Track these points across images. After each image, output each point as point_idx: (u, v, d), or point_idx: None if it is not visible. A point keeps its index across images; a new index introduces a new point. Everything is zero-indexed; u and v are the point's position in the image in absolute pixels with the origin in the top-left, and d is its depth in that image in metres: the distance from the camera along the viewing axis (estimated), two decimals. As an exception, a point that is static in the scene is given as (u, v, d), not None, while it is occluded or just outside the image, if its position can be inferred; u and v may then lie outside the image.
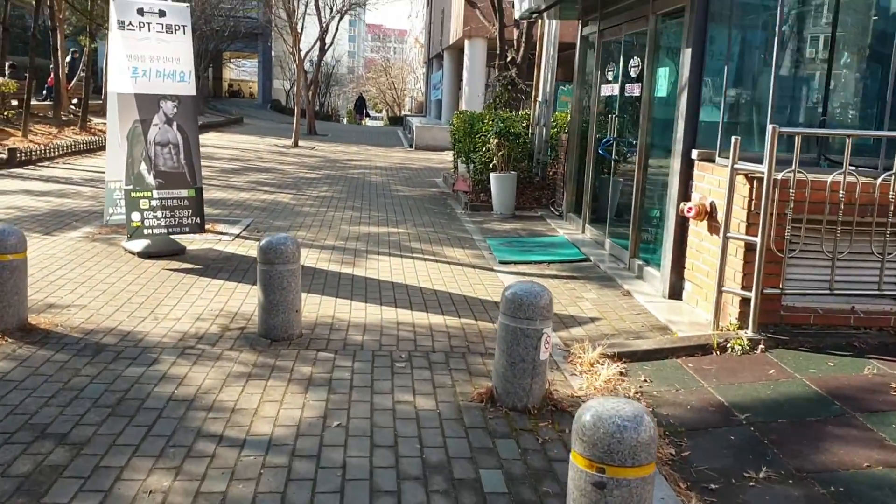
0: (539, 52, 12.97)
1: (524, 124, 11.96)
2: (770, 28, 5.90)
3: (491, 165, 11.37)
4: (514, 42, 14.71)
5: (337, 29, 31.81)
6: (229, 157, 18.59)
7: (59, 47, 20.68)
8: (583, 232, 9.76)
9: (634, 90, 8.05)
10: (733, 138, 5.45)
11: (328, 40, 31.02)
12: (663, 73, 7.39)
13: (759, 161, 5.35)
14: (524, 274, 7.75)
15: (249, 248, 8.29)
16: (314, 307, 6.24)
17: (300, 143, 23.98)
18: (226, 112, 39.55)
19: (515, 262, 8.24)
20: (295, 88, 25.45)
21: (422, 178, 16.36)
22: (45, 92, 24.81)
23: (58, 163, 15.34)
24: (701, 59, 6.50)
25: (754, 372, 4.94)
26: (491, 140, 11.19)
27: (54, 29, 20.10)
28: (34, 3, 18.35)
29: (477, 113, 13.37)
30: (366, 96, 55.86)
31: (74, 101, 23.94)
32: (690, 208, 6.16)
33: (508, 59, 14.50)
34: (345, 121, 56.70)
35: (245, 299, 6.38)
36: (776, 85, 5.64)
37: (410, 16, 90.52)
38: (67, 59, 23.72)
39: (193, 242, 8.30)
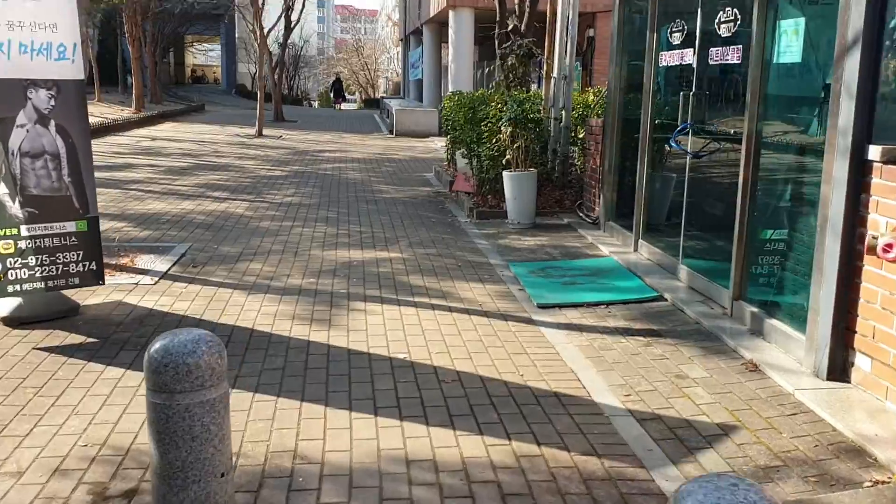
0: (551, 16, 10.44)
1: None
2: None
3: (504, 161, 8.86)
4: (516, 8, 12.14)
5: (304, 5, 29.00)
6: (180, 153, 15.89)
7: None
8: (635, 249, 7.30)
9: (729, 56, 5.57)
10: None
11: (294, 18, 28.23)
12: (791, 28, 4.90)
13: None
14: (577, 328, 5.28)
15: (178, 298, 5.75)
16: (263, 430, 3.73)
17: (265, 131, 21.28)
18: (186, 99, 36.65)
19: (560, 306, 5.77)
20: (261, 67, 22.69)
21: (409, 174, 13.80)
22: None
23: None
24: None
25: None
26: (503, 129, 8.67)
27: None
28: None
29: (478, 93, 10.82)
30: (340, 77, 52.77)
31: None
32: (891, 245, 3.71)
33: (510, 27, 11.94)
34: (316, 104, 53.72)
35: (150, 413, 3.85)
36: None
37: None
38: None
39: (95, 293, 5.74)
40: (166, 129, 22.56)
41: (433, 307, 5.69)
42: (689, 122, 6.11)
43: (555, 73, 10.22)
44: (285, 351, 4.73)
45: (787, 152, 5.06)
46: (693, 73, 6.17)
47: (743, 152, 5.21)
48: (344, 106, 42.27)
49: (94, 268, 5.22)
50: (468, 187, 10.32)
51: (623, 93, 7.99)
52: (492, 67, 22.28)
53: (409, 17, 30.60)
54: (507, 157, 8.83)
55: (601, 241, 7.84)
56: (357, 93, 67.05)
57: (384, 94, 50.83)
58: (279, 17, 26.61)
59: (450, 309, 5.66)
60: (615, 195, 8.16)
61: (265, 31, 22.43)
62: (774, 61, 5.05)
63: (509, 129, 8.54)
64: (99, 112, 23.76)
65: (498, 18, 11.97)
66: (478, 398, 4.09)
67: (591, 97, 10.80)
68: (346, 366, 4.51)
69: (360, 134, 23.07)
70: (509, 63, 8.96)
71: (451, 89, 19.61)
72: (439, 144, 19.64)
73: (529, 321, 5.43)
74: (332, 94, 42.49)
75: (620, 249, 7.44)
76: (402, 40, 36.25)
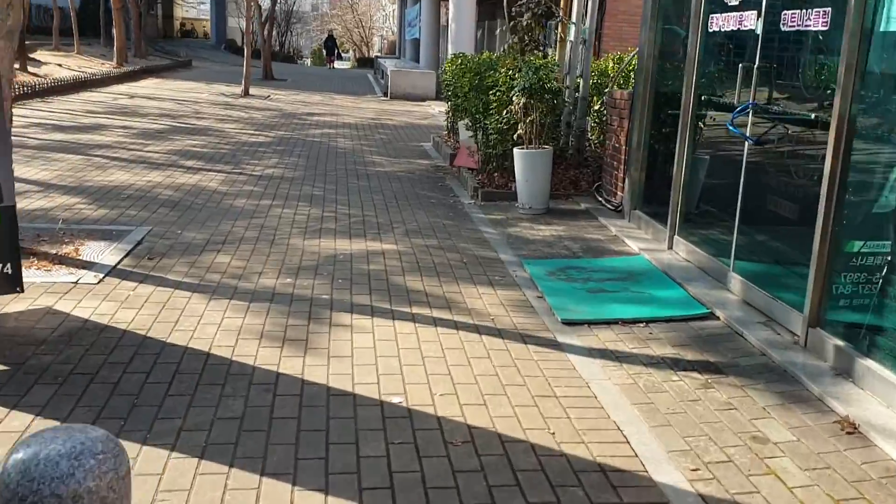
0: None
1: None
2: None
3: (514, 136, 7.74)
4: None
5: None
6: (158, 114, 14.67)
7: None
8: (670, 247, 6.25)
9: (812, 21, 4.47)
10: None
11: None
12: (909, -15, 3.80)
13: None
14: (614, 356, 4.25)
15: (124, 304, 4.68)
16: (207, 524, 2.70)
17: (252, 90, 20.01)
18: (173, 54, 35.10)
19: (589, 323, 4.73)
20: (248, 21, 21.34)
21: (405, 143, 12.65)
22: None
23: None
24: None
25: None
26: (515, 99, 7.54)
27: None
28: None
29: (484, 56, 9.65)
30: (333, 35, 50.88)
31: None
32: None
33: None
34: (308, 62, 52.00)
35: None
36: None
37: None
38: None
39: (18, 298, 4.64)
40: (148, 85, 21.26)
41: (435, 322, 4.65)
42: (751, 101, 5.01)
43: (571, 36, 9.07)
44: (247, 388, 3.68)
45: (891, 144, 4.00)
46: (757, 41, 5.06)
47: (831, 140, 4.13)
48: (337, 64, 40.68)
49: (10, 272, 4.13)
50: (472, 163, 9.22)
51: (657, 61, 6.88)
52: (500, 28, 20.83)
53: (407, -27, 29.11)
54: (519, 131, 7.71)
55: (627, 234, 6.78)
56: (351, 51, 65.22)
57: (379, 54, 49.23)
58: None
59: (456, 325, 4.61)
60: (643, 179, 7.10)
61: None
62: (880, 29, 3.96)
63: (522, 100, 7.42)
64: (77, 65, 22.41)
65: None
66: (498, 473, 3.07)
67: (611, 64, 9.66)
68: (325, 415, 3.47)
69: (352, 96, 21.81)
70: (524, 23, 7.77)
71: (450, 51, 18.34)
72: (437, 109, 18.46)
73: (554, 344, 4.40)
74: (324, 52, 40.89)
75: (651, 246, 6.39)
76: (398, -3, 34.69)
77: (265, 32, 27.08)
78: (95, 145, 10.45)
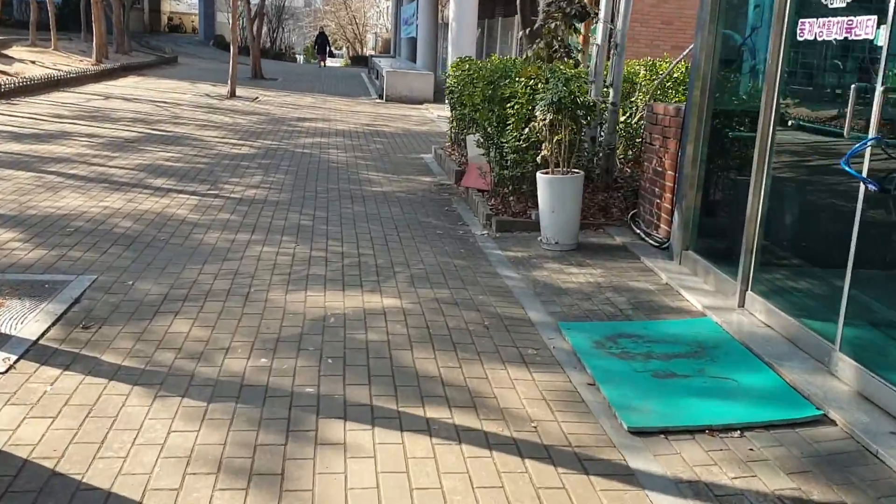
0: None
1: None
2: None
3: (539, 159, 6.51)
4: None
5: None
6: (131, 118, 13.38)
7: None
8: (741, 304, 5.03)
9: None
10: None
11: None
12: None
13: None
14: (710, 494, 3.04)
15: (33, 411, 3.43)
16: None
17: (239, 91, 18.74)
18: (159, 50, 33.69)
19: (666, 432, 3.52)
20: (234, 18, 20.10)
21: (404, 154, 11.41)
22: None
23: None
24: None
25: None
26: (540, 115, 6.31)
27: None
28: None
29: (496, 62, 8.43)
30: (325, 32, 49.36)
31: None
32: None
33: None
34: (301, 59, 50.57)
35: None
36: None
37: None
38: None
39: None
40: (127, 84, 19.95)
41: (458, 435, 3.41)
42: (874, 135, 3.80)
43: (598, 39, 7.85)
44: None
45: None
46: (880, 54, 3.85)
47: None
48: (329, 62, 39.24)
49: None
50: (482, 184, 8.01)
51: (719, 71, 5.67)
52: (518, 31, 19.34)
53: (404, -33, 27.81)
54: (543, 152, 6.48)
55: (682, 283, 5.57)
56: (344, 48, 63.83)
57: (373, 52, 47.91)
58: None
59: (487, 441, 3.38)
60: (699, 213, 5.89)
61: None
62: None
63: (549, 116, 6.18)
64: (51, 62, 21.06)
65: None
66: None
67: (642, 72, 8.46)
68: None
69: (346, 97, 20.56)
70: (552, 26, 6.48)
71: (451, 52, 17.10)
72: (436, 114, 17.26)
73: (626, 474, 3.18)
74: (315, 50, 39.46)
75: (717, 302, 5.18)
76: (394, -7, 33.40)
77: (255, 29, 25.75)
78: (52, 158, 9.17)
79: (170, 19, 49.55)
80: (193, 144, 10.98)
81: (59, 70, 19.22)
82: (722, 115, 5.68)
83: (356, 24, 61.54)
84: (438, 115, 16.95)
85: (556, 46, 6.29)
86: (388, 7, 53.48)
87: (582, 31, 8.22)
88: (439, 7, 24.13)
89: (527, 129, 6.59)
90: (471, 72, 8.84)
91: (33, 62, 20.67)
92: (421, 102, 19.71)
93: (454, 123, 10.26)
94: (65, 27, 33.62)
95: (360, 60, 44.53)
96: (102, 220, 6.64)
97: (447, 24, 25.67)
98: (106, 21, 26.17)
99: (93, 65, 22.02)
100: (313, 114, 16.11)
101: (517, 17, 18.95)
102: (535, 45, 6.32)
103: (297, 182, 8.80)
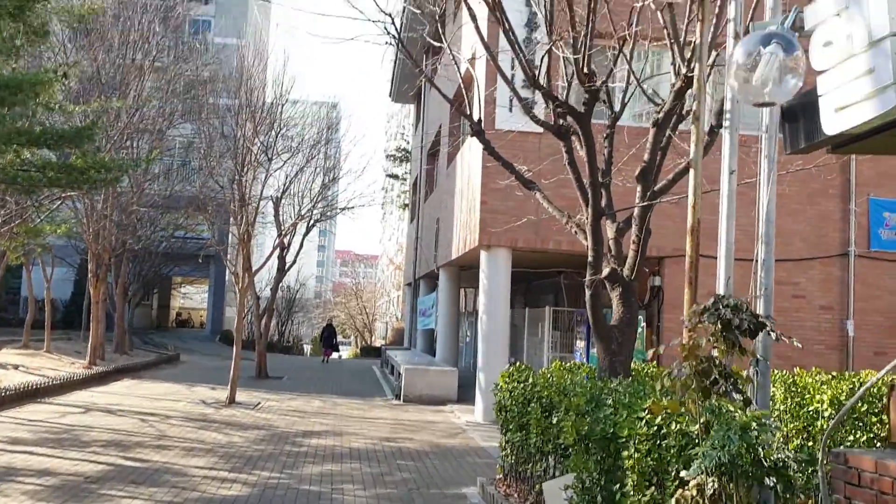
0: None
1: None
2: None
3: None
4: (610, 245, 8.01)
5: (301, 245, 25.55)
6: (106, 440, 11.05)
7: None
8: None
9: None
10: None
11: (289, 259, 24.64)
12: None
13: None
14: None
15: None
16: None
17: (241, 395, 16.63)
18: (162, 347, 32.30)
19: None
20: (240, 317, 18.54)
21: (440, 490, 8.91)
22: None
23: None
24: None
25: None
26: (690, 477, 4.00)
27: None
28: None
29: (562, 373, 6.31)
30: (334, 322, 48.48)
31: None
32: None
33: (605, 272, 7.75)
34: (308, 350, 49.39)
35: None
36: None
37: (382, 239, 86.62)
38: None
39: None
40: (117, 390, 17.90)
41: None
42: None
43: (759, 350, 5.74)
44: None
45: None
46: None
47: None
48: (335, 355, 37.28)
49: None
50: (574, 561, 5.46)
51: None
52: (530, 320, 17.53)
53: (420, 260, 27.14)
54: (692, 536, 4.06)
55: None
56: (353, 336, 63.25)
57: (384, 342, 46.82)
58: (267, 258, 23.03)
59: None
60: None
61: (252, 272, 18.48)
62: None
63: (712, 484, 3.87)
64: (36, 366, 19.24)
65: (591, 258, 7.79)
66: None
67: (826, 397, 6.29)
68: None
69: (358, 399, 18.38)
70: (701, 343, 4.34)
71: (481, 349, 15.23)
72: (463, 419, 14.99)
73: None
74: (321, 343, 37.83)
75: None
76: (408, 285, 32.71)
77: (262, 325, 24.34)
78: (-29, 521, 6.73)
79: (178, 314, 49.27)
80: (171, 484, 8.54)
81: (42, 376, 17.27)
82: None
83: (366, 313, 61.53)
84: (467, 422, 14.66)
85: (717, 378, 4.15)
86: (398, 296, 53.49)
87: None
88: (459, 294, 22.89)
89: (672, 498, 4.22)
90: (536, 388, 6.74)
91: (16, 367, 18.85)
92: (444, 402, 17.49)
93: (508, 450, 7.94)
94: (70, 326, 32.65)
95: (370, 351, 43.15)
96: None
97: (463, 313, 24.21)
98: (109, 319, 24.95)
99: (84, 367, 20.18)
100: (322, 425, 13.79)
101: (548, 309, 17.43)
102: (676, 370, 4.19)
103: (301, 552, 6.27)
